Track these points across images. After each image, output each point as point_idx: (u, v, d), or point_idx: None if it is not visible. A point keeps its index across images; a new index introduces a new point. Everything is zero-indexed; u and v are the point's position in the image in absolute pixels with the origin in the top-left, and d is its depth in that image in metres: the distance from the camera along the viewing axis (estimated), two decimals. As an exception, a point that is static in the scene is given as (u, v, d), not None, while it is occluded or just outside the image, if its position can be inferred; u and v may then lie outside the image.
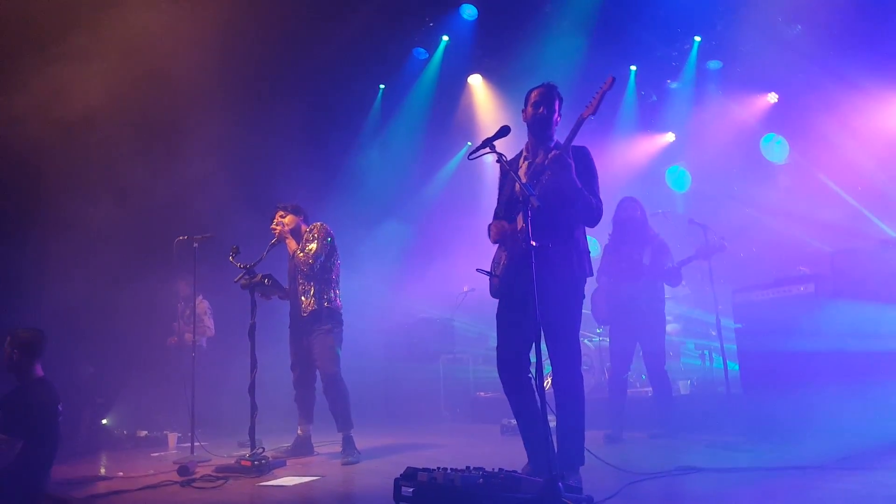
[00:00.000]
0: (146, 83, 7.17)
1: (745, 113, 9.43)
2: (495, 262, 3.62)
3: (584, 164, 3.49)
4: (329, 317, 5.26)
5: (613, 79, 3.24)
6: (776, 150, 9.22)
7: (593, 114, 3.26)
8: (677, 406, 6.03)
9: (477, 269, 3.57)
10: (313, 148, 9.30)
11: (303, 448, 5.32)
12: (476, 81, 10.16)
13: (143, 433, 6.90)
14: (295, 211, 5.51)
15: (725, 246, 5.67)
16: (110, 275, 7.29)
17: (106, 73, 6.70)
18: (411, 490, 3.06)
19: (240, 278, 4.95)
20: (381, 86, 10.24)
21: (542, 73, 7.60)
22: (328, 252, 5.34)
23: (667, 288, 8.00)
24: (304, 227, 5.48)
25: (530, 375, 3.42)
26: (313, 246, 5.28)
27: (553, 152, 3.30)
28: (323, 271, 5.31)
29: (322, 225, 5.42)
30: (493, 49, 9.50)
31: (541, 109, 3.52)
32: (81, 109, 6.58)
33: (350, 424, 5.16)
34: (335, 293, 5.37)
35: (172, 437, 6.61)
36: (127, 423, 7.34)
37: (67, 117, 6.57)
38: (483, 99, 10.17)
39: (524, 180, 3.37)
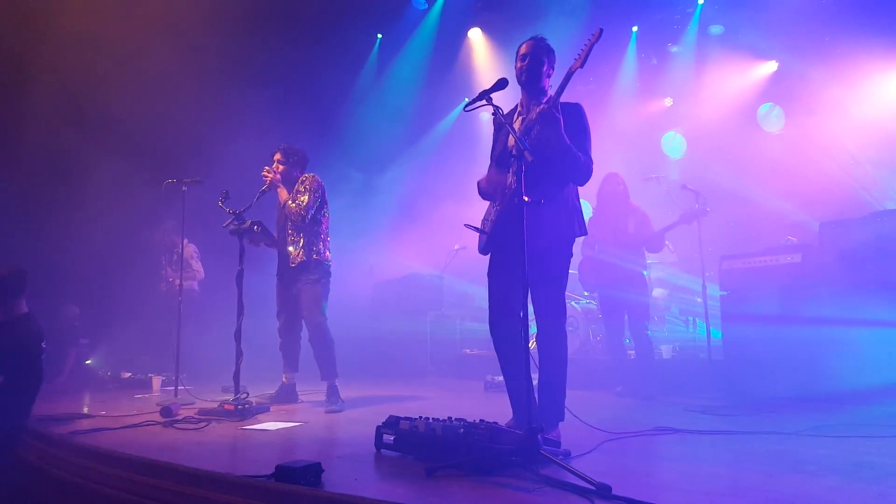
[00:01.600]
0: (137, 26, 7.02)
1: (743, 80, 9.35)
2: (485, 218, 3.60)
3: (577, 121, 3.44)
4: (317, 268, 5.26)
5: (601, 30, 3.19)
6: (772, 119, 9.18)
7: (581, 66, 3.21)
8: (658, 369, 6.14)
9: (465, 225, 3.54)
10: (307, 96, 9.15)
11: (287, 395, 5.37)
12: (476, 35, 9.99)
13: (128, 375, 6.92)
14: (292, 161, 5.43)
15: (707, 210, 5.89)
16: (97, 215, 7.23)
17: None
18: (392, 437, 3.10)
19: (228, 223, 4.91)
20: (379, 35, 10.04)
21: (542, 28, 7.44)
22: (319, 204, 5.32)
23: (653, 254, 8.10)
24: (298, 177, 5.42)
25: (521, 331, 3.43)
26: (305, 198, 5.24)
27: (542, 106, 3.25)
28: (313, 223, 5.29)
29: (314, 177, 5.38)
30: (493, 3, 9.32)
31: (527, 61, 3.48)
32: (67, 33, 6.44)
33: (334, 374, 5.20)
34: (324, 245, 5.37)
35: (156, 380, 6.64)
36: (111, 365, 7.37)
37: (54, 47, 6.42)
38: (482, 53, 10.02)
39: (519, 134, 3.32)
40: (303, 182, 5.35)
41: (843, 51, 7.85)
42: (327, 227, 5.43)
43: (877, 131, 7.97)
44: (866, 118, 8.06)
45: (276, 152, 5.45)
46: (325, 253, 5.34)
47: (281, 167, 5.38)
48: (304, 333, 5.39)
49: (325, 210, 5.41)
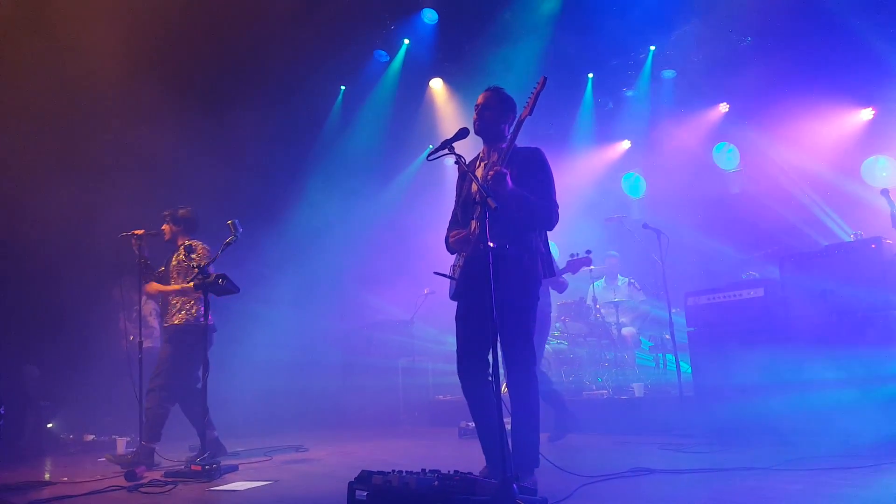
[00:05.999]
0: (102, 80, 7.01)
1: (698, 121, 9.67)
2: (454, 264, 3.62)
3: (537, 166, 3.51)
4: (180, 331, 5.20)
5: (545, 79, 3.31)
6: (727, 158, 9.48)
7: (530, 114, 3.31)
8: (631, 408, 6.16)
9: (435, 272, 3.56)
10: (272, 148, 9.19)
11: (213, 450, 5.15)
12: (437, 85, 10.19)
13: (90, 437, 6.69)
14: (174, 220, 5.49)
15: (590, 259, 5.79)
16: (55, 275, 7.07)
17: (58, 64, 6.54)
18: (365, 493, 3.03)
19: (193, 278, 4.84)
20: (342, 87, 10.18)
21: (501, 77, 7.69)
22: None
23: (625, 290, 8.19)
24: (180, 240, 5.42)
25: (489, 378, 3.42)
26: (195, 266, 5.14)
27: (494, 168, 3.29)
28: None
29: (203, 246, 5.34)
30: (453, 53, 9.55)
31: (481, 112, 3.58)
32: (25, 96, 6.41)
33: (153, 438, 4.99)
34: (198, 308, 5.24)
35: (121, 442, 6.42)
36: (73, 427, 7.11)
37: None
38: (444, 102, 10.21)
39: (481, 183, 3.37)
40: (194, 249, 5.28)
41: (790, 89, 8.19)
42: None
43: (824, 169, 8.32)
44: (818, 152, 8.40)
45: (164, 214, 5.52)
46: (194, 317, 5.23)
47: (167, 228, 5.46)
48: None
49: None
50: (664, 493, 3.27)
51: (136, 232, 5.33)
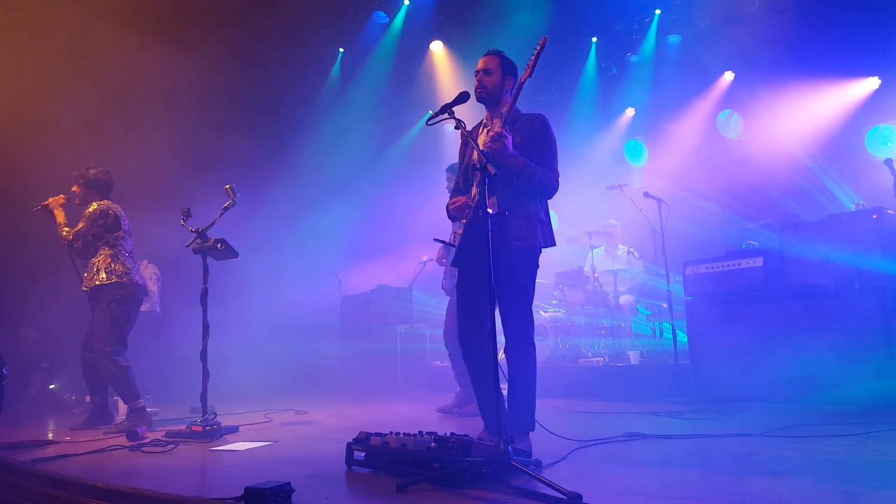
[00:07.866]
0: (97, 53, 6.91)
1: (702, 88, 9.56)
2: (454, 230, 3.61)
3: (540, 133, 3.48)
4: (114, 291, 5.12)
5: (545, 39, 3.25)
6: (731, 125, 9.39)
7: (530, 75, 3.26)
8: (627, 375, 6.20)
9: (434, 239, 3.55)
10: (269, 112, 9.10)
11: (99, 418, 5.23)
12: (437, 48, 10.05)
13: (92, 398, 6.74)
14: (85, 182, 5.30)
15: None
16: (50, 236, 7.05)
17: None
18: (363, 454, 3.08)
19: (191, 242, 4.83)
20: (341, 49, 10.05)
21: (503, 41, 7.55)
22: (104, 230, 5.18)
23: (624, 259, 8.20)
24: (94, 201, 5.28)
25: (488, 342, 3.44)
26: (80, 225, 5.15)
27: (494, 131, 3.27)
28: (106, 246, 5.20)
29: (98, 205, 5.23)
30: (454, 16, 9.40)
31: (481, 77, 3.52)
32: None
33: (134, 396, 5.05)
34: (116, 266, 5.19)
35: (123, 404, 6.48)
36: (76, 389, 7.17)
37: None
38: (444, 65, 10.08)
39: (482, 149, 3.35)
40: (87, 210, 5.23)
41: (795, 60, 8.10)
42: (118, 249, 5.25)
43: (827, 138, 8.27)
44: (818, 126, 8.35)
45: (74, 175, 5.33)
46: (121, 273, 5.16)
47: (77, 190, 5.30)
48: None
49: (117, 234, 5.26)
50: (656, 457, 3.32)
51: (43, 203, 5.22)
